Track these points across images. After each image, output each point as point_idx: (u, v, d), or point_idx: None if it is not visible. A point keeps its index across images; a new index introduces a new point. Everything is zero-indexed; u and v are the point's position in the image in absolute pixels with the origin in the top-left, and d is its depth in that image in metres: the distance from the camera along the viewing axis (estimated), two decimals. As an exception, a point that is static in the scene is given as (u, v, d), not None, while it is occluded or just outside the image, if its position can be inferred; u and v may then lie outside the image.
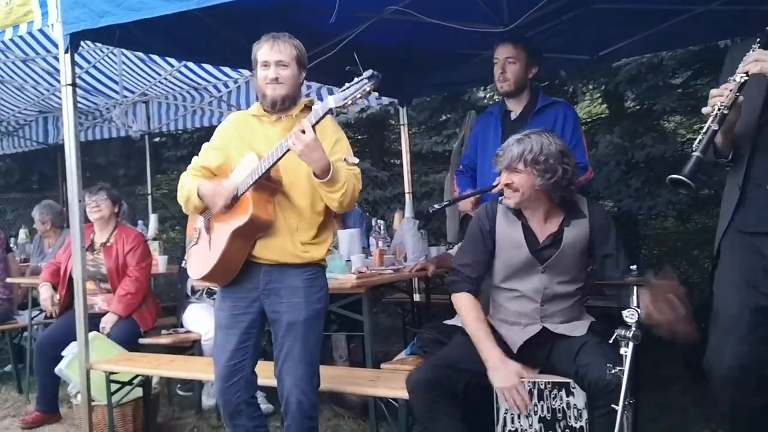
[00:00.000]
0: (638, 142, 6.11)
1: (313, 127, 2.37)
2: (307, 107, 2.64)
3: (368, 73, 2.30)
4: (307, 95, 5.55)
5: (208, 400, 4.27)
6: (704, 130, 2.18)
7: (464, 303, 2.66)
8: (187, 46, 3.97)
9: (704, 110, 2.23)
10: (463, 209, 3.66)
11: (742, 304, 2.39)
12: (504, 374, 2.47)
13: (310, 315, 2.60)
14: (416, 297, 4.96)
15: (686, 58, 5.94)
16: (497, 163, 2.64)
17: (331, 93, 5.97)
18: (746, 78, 2.20)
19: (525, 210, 2.66)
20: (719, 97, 2.19)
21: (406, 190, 5.52)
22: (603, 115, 7.76)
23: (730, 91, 2.19)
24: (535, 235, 2.64)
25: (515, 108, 3.49)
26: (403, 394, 2.66)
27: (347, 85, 2.33)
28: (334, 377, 3.08)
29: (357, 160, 2.58)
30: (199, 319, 4.36)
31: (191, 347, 4.35)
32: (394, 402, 2.93)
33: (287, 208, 2.58)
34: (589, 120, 8.08)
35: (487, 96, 7.88)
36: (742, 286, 2.40)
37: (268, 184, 2.53)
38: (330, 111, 2.36)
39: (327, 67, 3.61)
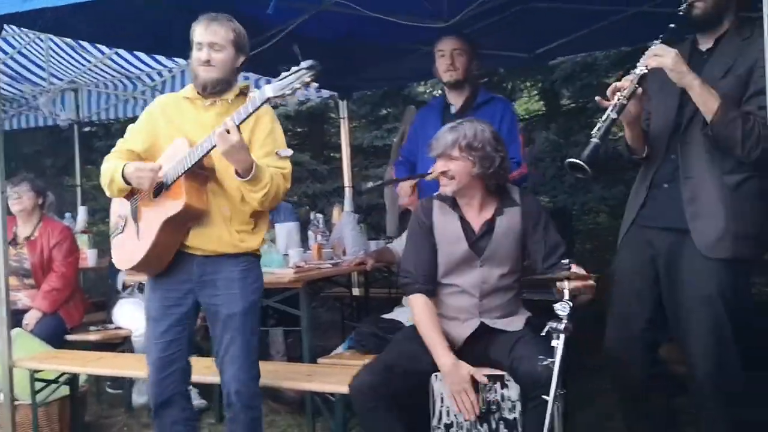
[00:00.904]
0: (573, 139, 6.26)
1: (240, 124, 2.32)
2: (243, 93, 2.57)
3: (307, 63, 2.27)
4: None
5: (138, 398, 4.16)
6: (603, 118, 2.29)
7: (418, 305, 2.65)
8: (119, 32, 3.84)
9: (597, 99, 2.36)
10: (403, 204, 3.68)
11: (632, 292, 2.58)
12: (456, 379, 2.48)
13: (246, 306, 2.55)
14: (355, 291, 4.95)
15: (619, 58, 6.11)
16: (432, 149, 2.66)
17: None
18: (646, 71, 2.31)
19: (461, 199, 2.67)
20: (621, 88, 2.30)
21: (346, 184, 5.50)
22: (540, 112, 7.92)
23: (631, 81, 2.29)
24: (471, 226, 2.66)
25: (456, 102, 3.53)
26: (340, 389, 2.64)
27: (284, 74, 2.29)
28: (270, 372, 3.04)
29: (290, 153, 2.53)
30: (130, 314, 4.23)
31: (121, 344, 4.23)
32: (330, 396, 2.92)
33: (220, 196, 2.51)
34: (527, 116, 8.23)
35: (428, 91, 7.94)
36: (633, 276, 2.59)
37: (200, 172, 2.46)
38: (267, 100, 2.31)
39: (265, 58, 3.55)
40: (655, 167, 2.54)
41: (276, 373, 3.10)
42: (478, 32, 4.09)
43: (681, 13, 2.39)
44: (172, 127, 2.55)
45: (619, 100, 2.29)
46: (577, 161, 2.23)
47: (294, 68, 2.27)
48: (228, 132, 2.28)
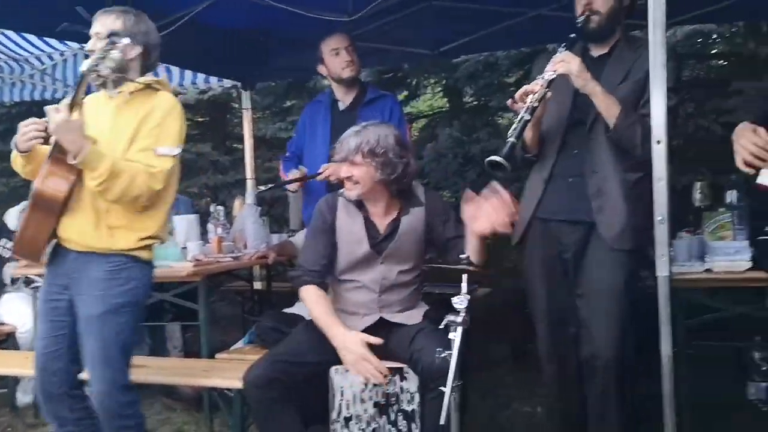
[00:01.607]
0: (475, 136, 6.40)
1: (73, 104, 2.23)
2: (150, 87, 2.46)
3: (111, 37, 2.27)
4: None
5: (23, 397, 3.95)
6: (518, 119, 2.41)
7: (310, 295, 2.63)
8: (8, 13, 3.61)
9: (508, 102, 2.50)
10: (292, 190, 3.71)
11: (545, 286, 2.68)
12: (350, 347, 2.47)
13: (107, 309, 2.38)
14: (257, 285, 4.88)
15: (519, 59, 6.29)
16: (335, 153, 2.65)
17: (195, 77, 5.75)
18: (554, 76, 2.43)
19: (366, 202, 2.68)
20: (531, 92, 2.42)
21: (248, 176, 5.40)
22: (443, 109, 8.05)
23: (540, 86, 2.42)
24: (376, 227, 2.68)
25: (345, 99, 3.56)
26: (239, 384, 2.60)
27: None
28: (166, 369, 2.97)
29: (173, 152, 2.41)
30: (16, 310, 4.02)
31: (5, 340, 4.00)
32: (229, 392, 2.87)
33: None
34: (430, 113, 8.35)
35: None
36: (542, 270, 2.69)
37: (60, 156, 2.30)
38: (83, 77, 2.25)
39: (171, 46, 3.43)
40: (551, 163, 2.65)
41: (172, 370, 3.03)
42: (383, 28, 4.11)
43: (578, 24, 2.52)
44: (88, 120, 2.42)
45: (530, 102, 2.41)
46: (497, 159, 2.34)
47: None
48: (57, 111, 2.20)
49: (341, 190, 2.71)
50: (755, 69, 5.87)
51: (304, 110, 3.95)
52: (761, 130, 1.93)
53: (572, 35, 2.54)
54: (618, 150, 2.52)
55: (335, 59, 3.49)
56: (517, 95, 2.48)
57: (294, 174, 3.55)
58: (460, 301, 2.09)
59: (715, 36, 6.41)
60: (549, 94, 2.46)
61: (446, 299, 2.39)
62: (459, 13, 4.11)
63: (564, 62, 2.44)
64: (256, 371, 2.49)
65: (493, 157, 2.36)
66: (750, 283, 2.78)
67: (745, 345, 3.31)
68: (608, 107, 2.45)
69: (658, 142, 2.20)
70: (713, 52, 6.73)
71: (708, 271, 2.85)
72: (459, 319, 2.07)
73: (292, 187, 3.64)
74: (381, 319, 2.65)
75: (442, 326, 2.13)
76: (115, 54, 2.26)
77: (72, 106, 2.23)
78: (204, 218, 4.18)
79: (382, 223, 2.68)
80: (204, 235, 4.04)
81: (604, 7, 2.55)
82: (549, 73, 2.45)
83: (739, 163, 1.96)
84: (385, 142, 2.58)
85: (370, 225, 2.68)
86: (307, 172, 3.54)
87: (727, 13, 4.39)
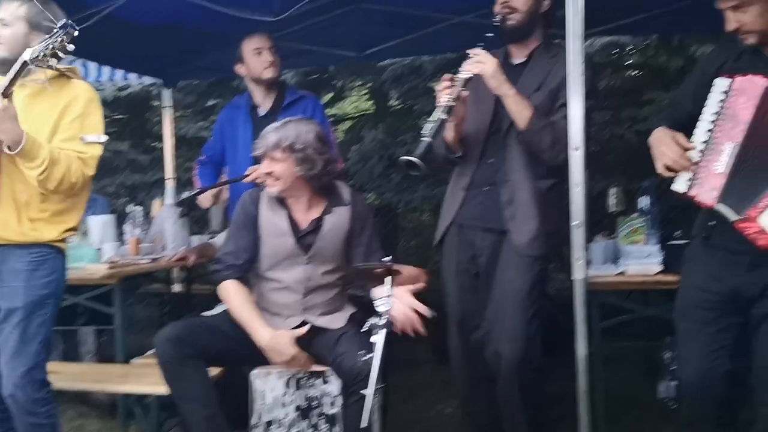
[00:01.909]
0: (399, 139, 6.44)
1: (6, 93, 2.14)
2: (65, 75, 2.38)
3: (61, 22, 2.14)
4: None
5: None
6: (434, 118, 2.43)
7: (230, 290, 2.60)
8: None
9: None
10: (203, 204, 3.62)
11: (457, 288, 2.75)
12: (279, 348, 2.46)
13: (30, 301, 2.33)
14: (176, 288, 4.76)
15: (444, 64, 6.35)
16: (256, 149, 2.63)
17: (113, 73, 5.54)
18: (470, 75, 2.47)
19: (288, 198, 2.66)
20: (447, 90, 2.45)
21: (168, 176, 5.25)
22: (369, 111, 8.07)
23: (455, 85, 2.45)
24: (298, 224, 2.65)
25: (264, 102, 3.50)
26: (156, 390, 2.53)
27: (45, 37, 2.17)
28: (79, 374, 2.86)
29: (99, 139, 2.38)
30: None
31: None
32: (144, 398, 2.78)
33: (17, 180, 2.30)
34: (356, 115, 8.35)
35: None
36: (456, 271, 2.75)
37: None
38: (24, 64, 2.15)
39: (88, 40, 3.30)
40: (472, 170, 2.69)
41: (85, 375, 2.92)
42: (309, 29, 4.08)
43: (496, 23, 2.56)
44: None
45: (446, 101, 2.43)
46: (411, 158, 2.34)
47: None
48: None
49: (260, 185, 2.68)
50: (666, 80, 6.14)
51: (220, 114, 3.87)
52: (680, 136, 2.03)
53: (490, 34, 2.57)
54: (530, 158, 2.57)
55: (257, 59, 3.44)
56: (437, 93, 2.52)
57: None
58: (383, 303, 2.09)
59: (630, 47, 6.66)
60: (465, 93, 2.49)
61: (370, 302, 2.40)
62: (385, 17, 4.12)
63: (479, 62, 2.47)
64: (169, 329, 2.48)
65: (406, 156, 2.37)
66: (660, 285, 2.90)
67: (656, 345, 3.46)
68: (520, 110, 2.50)
69: (576, 149, 2.27)
70: (628, 62, 7.00)
71: (621, 274, 2.96)
72: (381, 322, 2.07)
73: (206, 201, 3.54)
74: (304, 321, 2.63)
75: (364, 329, 2.13)
76: (62, 43, 2.13)
77: (6, 95, 2.13)
78: (121, 219, 4.05)
79: (305, 219, 2.66)
80: (121, 236, 3.92)
81: (523, 5, 2.59)
82: (464, 72, 2.48)
83: (660, 168, 2.06)
84: (305, 137, 2.57)
85: (292, 221, 2.65)
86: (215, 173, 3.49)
87: (640, 26, 4.57)
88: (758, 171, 1.91)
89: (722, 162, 1.95)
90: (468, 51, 2.54)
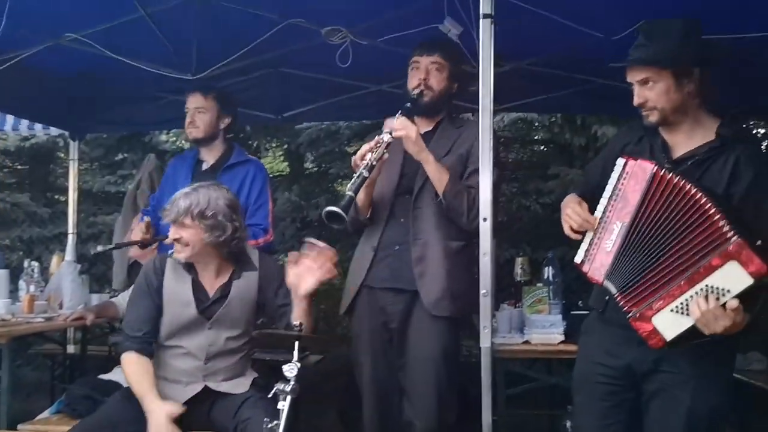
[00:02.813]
0: (313, 201, 6.45)
1: None
2: None
3: None
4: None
5: None
6: (357, 174, 2.49)
7: (129, 361, 2.48)
8: None
9: (356, 160, 2.54)
10: (134, 255, 3.48)
11: (369, 355, 2.71)
12: (156, 428, 2.33)
13: None
14: (70, 348, 4.51)
15: (360, 130, 6.49)
16: (165, 215, 2.56)
17: (17, 122, 5.33)
18: (392, 139, 2.54)
19: (196, 264, 2.60)
20: (370, 151, 2.51)
21: (70, 231, 5.04)
22: (284, 173, 8.07)
23: (378, 145, 2.52)
24: (205, 290, 2.59)
25: (208, 158, 3.44)
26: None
27: None
28: (-46, 443, 2.63)
29: None
30: None
31: None
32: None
33: None
34: (270, 176, 8.33)
35: (170, 140, 7.69)
36: (368, 339, 2.72)
37: None
38: None
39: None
40: (380, 231, 2.72)
41: (-37, 443, 2.69)
42: (227, 89, 4.09)
43: (413, 96, 2.67)
44: None
45: (370, 160, 2.49)
46: (335, 209, 2.37)
47: None
48: None
49: (171, 251, 2.61)
50: (570, 156, 6.47)
51: (169, 163, 3.78)
52: (584, 204, 2.13)
53: (407, 104, 2.66)
54: (441, 218, 2.63)
55: (187, 119, 3.40)
56: (356, 156, 2.56)
57: (140, 228, 3.34)
58: (290, 369, 2.04)
59: (537, 124, 7.01)
60: (386, 155, 2.55)
61: (274, 366, 2.34)
62: (304, 82, 4.20)
63: (404, 128, 2.55)
64: None
65: (331, 208, 2.40)
66: (563, 355, 2.97)
67: (559, 414, 3.52)
68: (440, 176, 2.58)
69: (485, 219, 2.33)
70: (535, 138, 7.34)
71: (527, 342, 3.02)
72: (288, 388, 2.03)
73: (135, 254, 3.41)
74: (206, 387, 2.53)
75: (270, 395, 2.07)
76: None
77: None
78: (16, 274, 3.83)
79: (211, 287, 2.60)
80: (15, 292, 3.70)
81: (438, 85, 2.72)
82: (386, 135, 2.55)
83: (567, 230, 2.13)
84: (216, 204, 2.53)
85: (198, 288, 2.58)
86: (154, 226, 3.35)
87: (545, 105, 4.85)
88: (639, 254, 1.96)
89: (611, 240, 2.01)
90: (389, 118, 2.61)
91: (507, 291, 3.78)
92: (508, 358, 2.89)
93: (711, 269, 1.83)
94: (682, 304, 1.87)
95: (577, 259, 2.13)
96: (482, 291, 2.34)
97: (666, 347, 1.94)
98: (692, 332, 1.88)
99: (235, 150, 3.49)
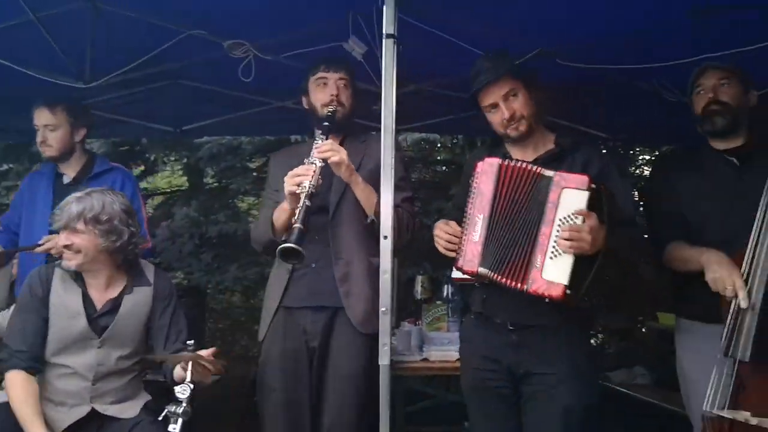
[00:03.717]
0: (213, 217, 6.30)
1: None
2: None
3: None
4: None
5: None
6: (300, 205, 2.44)
7: (15, 382, 2.34)
8: None
9: (288, 188, 2.49)
10: None
11: (283, 378, 2.64)
12: None
13: None
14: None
15: (262, 146, 6.41)
16: (54, 221, 2.43)
17: None
18: (324, 163, 2.53)
19: (86, 274, 2.48)
20: (305, 177, 2.47)
21: (-56, 246, 4.69)
22: (183, 188, 7.86)
23: (314, 172, 2.49)
24: (93, 303, 2.48)
25: (68, 171, 3.31)
26: None
27: None
28: None
29: None
30: None
31: None
32: None
33: None
34: (168, 190, 8.10)
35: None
36: (282, 362, 2.66)
37: None
38: None
39: None
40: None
41: None
42: (123, 99, 3.95)
43: (329, 113, 2.69)
44: None
45: (309, 188, 2.45)
46: (291, 245, 2.33)
47: None
48: None
49: (58, 261, 2.48)
50: (471, 177, 6.61)
51: (23, 181, 3.59)
52: (452, 222, 2.33)
53: (326, 123, 2.66)
54: (363, 235, 2.64)
55: (38, 137, 3.24)
56: (288, 184, 2.49)
57: None
58: (182, 391, 1.98)
59: (439, 145, 7.15)
60: (320, 180, 2.52)
61: (167, 388, 2.26)
62: (205, 95, 4.09)
63: (334, 151, 2.53)
64: None
65: (286, 245, 2.34)
66: (460, 372, 3.01)
67: (457, 430, 3.58)
68: (368, 196, 2.60)
69: (385, 237, 2.34)
70: (438, 158, 7.49)
71: (425, 360, 3.05)
72: (180, 410, 1.96)
73: None
74: (93, 410, 2.41)
75: (161, 417, 1.99)
76: None
77: None
78: None
79: (101, 299, 2.48)
80: None
81: (348, 102, 2.76)
82: (318, 160, 2.52)
83: (442, 250, 2.33)
84: (111, 209, 2.44)
85: (87, 300, 2.46)
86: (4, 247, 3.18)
87: (447, 127, 4.96)
88: (505, 235, 2.19)
89: (477, 231, 2.23)
90: (316, 139, 2.61)
91: (408, 309, 3.82)
92: (407, 375, 2.91)
93: (554, 207, 2.11)
94: (554, 247, 2.09)
95: (455, 274, 2.33)
96: (382, 309, 2.34)
97: (573, 297, 2.08)
98: (582, 267, 2.08)
99: (96, 159, 3.39)
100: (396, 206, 2.60)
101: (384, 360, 2.35)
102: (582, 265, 2.07)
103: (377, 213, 2.56)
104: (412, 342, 3.19)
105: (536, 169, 2.19)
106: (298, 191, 2.46)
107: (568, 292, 2.05)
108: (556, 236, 2.08)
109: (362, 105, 2.94)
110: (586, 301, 2.15)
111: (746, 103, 2.44)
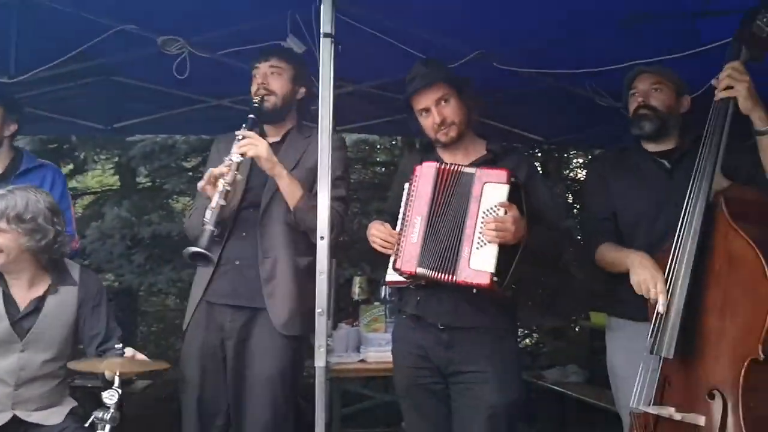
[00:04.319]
0: (146, 218, 6.15)
1: None
2: None
3: None
4: None
5: None
6: (212, 205, 2.39)
7: None
8: None
9: (199, 185, 2.48)
10: None
11: (199, 375, 2.60)
12: None
13: None
14: None
15: (198, 145, 6.29)
16: None
17: None
18: (242, 159, 2.47)
19: (8, 274, 2.39)
20: (221, 175, 2.42)
21: None
22: (114, 187, 7.65)
23: (229, 168, 2.44)
24: (16, 304, 2.38)
25: None
26: None
27: None
28: None
29: None
30: None
31: None
32: None
33: None
34: (99, 190, 7.88)
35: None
36: (200, 357, 2.61)
37: None
38: None
39: None
40: (221, 244, 2.62)
41: None
42: (52, 94, 3.81)
43: (255, 104, 2.61)
44: None
45: (223, 187, 2.40)
46: (198, 250, 2.29)
47: None
48: None
49: None
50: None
51: None
52: (386, 223, 2.37)
53: (251, 116, 2.60)
54: (290, 234, 2.58)
55: None
56: (205, 179, 2.45)
57: None
58: (110, 396, 1.91)
59: (379, 146, 7.17)
60: (239, 176, 2.47)
61: (96, 393, 2.19)
62: (137, 92, 3.99)
63: (252, 145, 2.48)
64: None
65: (193, 248, 2.30)
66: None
67: (394, 430, 3.58)
68: (292, 190, 2.53)
69: (322, 237, 2.32)
70: (377, 159, 7.51)
71: (362, 361, 3.04)
72: (108, 416, 1.89)
73: None
74: (15, 417, 2.31)
75: (87, 424, 1.92)
76: None
77: None
78: None
79: (23, 300, 2.38)
80: None
81: (280, 89, 2.67)
82: (236, 155, 2.46)
83: (378, 248, 2.35)
84: (35, 207, 2.35)
85: (9, 301, 2.36)
86: None
87: (386, 128, 4.97)
88: (440, 233, 2.24)
89: (415, 233, 2.27)
90: (237, 132, 2.52)
91: (346, 311, 3.81)
92: (344, 376, 2.90)
93: (478, 200, 2.20)
94: (479, 238, 2.17)
95: (389, 277, 2.33)
96: (318, 310, 2.32)
97: (499, 285, 2.15)
98: (506, 256, 2.16)
99: (24, 156, 3.25)
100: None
101: (320, 362, 2.33)
102: (506, 254, 2.16)
103: (298, 209, 2.53)
104: (348, 344, 3.18)
105: (458, 167, 2.29)
106: (211, 191, 2.42)
107: (494, 279, 2.13)
108: (481, 228, 2.17)
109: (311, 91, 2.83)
110: (513, 289, 2.23)
111: (678, 108, 2.51)
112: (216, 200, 2.39)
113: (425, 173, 2.32)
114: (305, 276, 2.58)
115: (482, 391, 2.27)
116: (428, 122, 2.42)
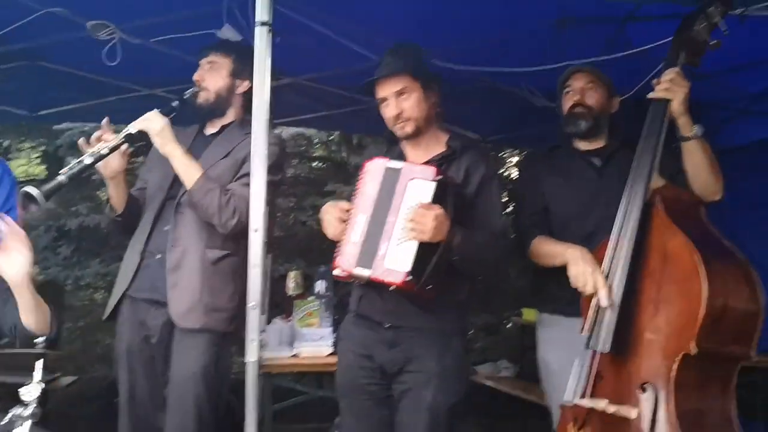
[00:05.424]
0: (73, 209, 5.95)
1: None
2: None
3: None
4: None
5: None
6: (78, 161, 2.36)
7: None
8: None
9: (80, 141, 2.45)
10: None
11: (128, 373, 2.54)
12: None
13: None
14: None
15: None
16: None
17: None
18: (133, 131, 2.47)
19: None
20: (105, 139, 2.41)
21: None
22: (40, 177, 7.37)
23: (116, 136, 2.43)
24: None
25: None
26: None
27: None
28: None
29: None
30: None
31: None
32: None
33: None
34: (25, 180, 7.58)
35: None
36: (128, 354, 2.55)
37: None
38: None
39: None
40: (145, 236, 2.57)
41: None
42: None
43: (186, 97, 2.59)
44: None
45: (99, 148, 2.36)
46: (28, 190, 2.22)
47: None
48: None
49: None
50: (347, 173, 6.66)
51: None
52: (342, 203, 2.28)
53: (173, 103, 2.58)
54: (203, 225, 2.52)
55: None
56: (92, 138, 2.42)
57: None
58: (28, 392, 1.83)
59: (316, 141, 7.12)
60: (125, 146, 2.44)
61: (16, 390, 2.09)
62: (64, 79, 3.83)
63: (147, 120, 2.45)
64: None
65: (28, 188, 2.23)
66: (331, 367, 2.98)
67: (327, 427, 3.56)
68: (186, 170, 2.48)
69: (256, 230, 2.28)
70: (314, 155, 7.46)
71: (295, 356, 3.02)
72: (27, 413, 1.81)
73: None
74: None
75: (4, 422, 1.84)
76: None
77: None
78: None
79: None
80: None
81: (214, 85, 2.64)
82: (131, 127, 2.45)
83: (329, 234, 2.25)
84: None
85: None
86: None
87: (324, 122, 4.93)
88: (379, 235, 2.17)
89: (357, 232, 2.19)
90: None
91: (281, 306, 3.77)
92: (276, 372, 2.87)
93: (401, 196, 2.14)
94: (399, 236, 2.11)
95: (336, 272, 2.24)
96: (250, 303, 2.28)
97: (415, 284, 2.08)
98: (425, 252, 2.09)
99: None
100: (227, 189, 2.51)
101: (251, 357, 2.29)
102: (426, 253, 2.09)
103: (194, 190, 2.47)
104: (282, 339, 3.15)
105: (386, 163, 2.23)
106: (86, 147, 2.39)
107: (409, 278, 2.06)
108: (402, 224, 2.11)
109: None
110: (430, 289, 2.14)
111: (609, 108, 2.58)
112: (84, 157, 2.35)
113: (372, 170, 2.25)
114: (215, 269, 2.53)
115: (425, 392, 2.22)
116: (387, 113, 2.33)
